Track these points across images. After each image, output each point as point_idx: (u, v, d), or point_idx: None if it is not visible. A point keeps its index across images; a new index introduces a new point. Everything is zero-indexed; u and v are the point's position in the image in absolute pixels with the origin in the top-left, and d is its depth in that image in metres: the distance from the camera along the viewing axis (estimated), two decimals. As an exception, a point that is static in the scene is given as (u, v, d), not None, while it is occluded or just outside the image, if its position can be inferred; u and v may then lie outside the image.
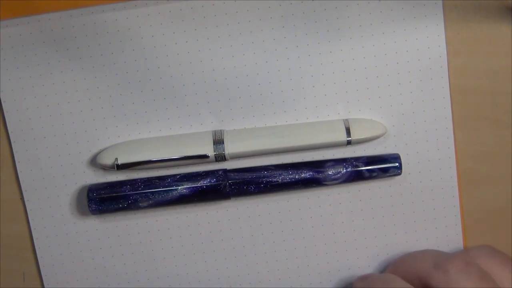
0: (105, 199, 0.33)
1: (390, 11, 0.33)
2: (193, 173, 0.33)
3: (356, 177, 0.33)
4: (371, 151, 0.34)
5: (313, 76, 0.33)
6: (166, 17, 0.33)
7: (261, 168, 0.33)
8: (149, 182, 0.33)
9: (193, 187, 0.33)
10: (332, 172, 0.33)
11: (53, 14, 0.32)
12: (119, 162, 0.32)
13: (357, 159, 0.33)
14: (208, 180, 0.33)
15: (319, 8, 0.33)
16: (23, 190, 0.34)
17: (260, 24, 0.33)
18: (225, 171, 0.33)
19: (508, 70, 0.33)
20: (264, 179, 0.33)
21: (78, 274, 0.35)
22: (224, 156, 0.33)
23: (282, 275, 0.35)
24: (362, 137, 0.33)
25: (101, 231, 0.35)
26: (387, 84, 0.33)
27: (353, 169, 0.33)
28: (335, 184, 0.33)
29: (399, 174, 0.33)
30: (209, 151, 0.32)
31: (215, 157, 0.33)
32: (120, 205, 0.33)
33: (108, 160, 0.33)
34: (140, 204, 0.33)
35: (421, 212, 0.34)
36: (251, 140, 0.33)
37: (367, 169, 0.33)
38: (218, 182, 0.33)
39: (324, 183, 0.33)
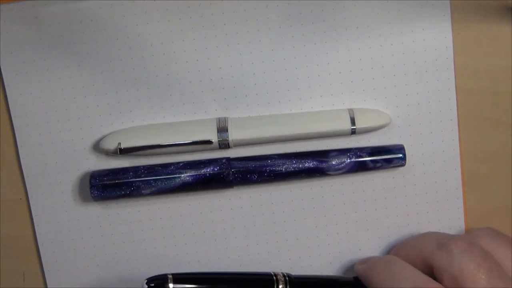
0: (107, 186, 0.33)
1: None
2: (196, 161, 0.33)
3: (360, 167, 0.33)
4: (375, 142, 0.34)
5: (319, 66, 0.33)
6: (172, 8, 0.33)
7: (264, 157, 0.33)
8: (152, 169, 0.33)
9: (196, 174, 0.33)
10: (336, 162, 0.33)
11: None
12: (122, 146, 0.32)
13: (361, 149, 0.33)
14: (211, 168, 0.33)
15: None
16: (25, 176, 0.34)
17: (267, 11, 0.33)
18: (228, 159, 0.33)
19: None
20: (267, 168, 0.33)
21: (79, 261, 0.35)
22: (228, 143, 0.32)
23: (284, 265, 0.35)
24: (367, 126, 0.33)
25: (102, 219, 0.34)
26: (392, 74, 0.33)
27: (357, 159, 0.33)
28: (339, 174, 0.33)
29: (403, 165, 0.33)
30: (213, 138, 0.32)
31: (219, 144, 0.32)
32: (123, 192, 0.33)
33: (111, 144, 0.33)
34: (142, 191, 0.33)
35: (424, 204, 0.34)
36: (255, 128, 0.33)
37: (371, 160, 0.33)
38: (221, 170, 0.33)
39: (328, 173, 0.33)
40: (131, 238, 0.35)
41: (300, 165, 0.33)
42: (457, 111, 0.33)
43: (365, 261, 0.33)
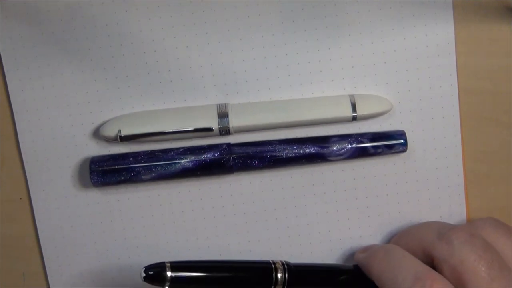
0: (107, 171, 0.33)
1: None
2: (196, 146, 0.33)
3: (361, 153, 0.33)
4: (376, 128, 0.34)
5: (320, 51, 0.33)
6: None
7: (265, 142, 0.33)
8: (152, 154, 0.33)
9: (196, 160, 0.33)
10: (337, 148, 0.33)
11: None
12: (123, 133, 0.32)
13: (362, 135, 0.33)
14: (212, 153, 0.33)
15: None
16: (24, 161, 0.34)
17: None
18: (228, 145, 0.33)
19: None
20: (268, 154, 0.33)
21: (78, 248, 0.34)
22: (229, 129, 0.32)
23: (284, 252, 0.35)
24: (368, 112, 0.33)
25: (102, 205, 0.34)
26: (394, 60, 0.33)
27: (358, 145, 0.33)
28: (340, 160, 0.33)
29: (404, 151, 0.33)
30: (214, 124, 0.32)
31: (219, 130, 0.32)
32: (123, 178, 0.33)
33: (111, 131, 0.32)
34: (142, 177, 0.33)
35: (425, 191, 0.34)
36: (256, 114, 0.33)
37: (372, 145, 0.33)
38: (222, 156, 0.32)
39: (329, 158, 0.33)
40: (130, 225, 0.34)
41: (301, 151, 0.33)
42: (459, 96, 0.33)
43: (366, 249, 0.33)
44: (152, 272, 0.28)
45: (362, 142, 0.33)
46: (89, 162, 0.33)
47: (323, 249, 0.35)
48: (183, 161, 0.33)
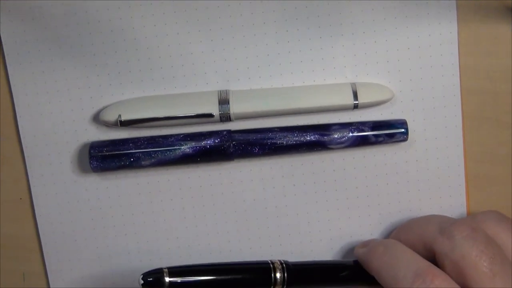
0: (107, 157, 0.32)
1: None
2: (196, 132, 0.33)
3: (362, 141, 0.33)
4: (378, 117, 0.33)
5: (322, 38, 0.33)
6: None
7: (266, 129, 0.33)
8: (152, 140, 0.33)
9: (196, 146, 0.32)
10: (338, 136, 0.32)
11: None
12: (123, 118, 0.32)
13: (363, 123, 0.33)
14: (212, 140, 0.32)
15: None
16: (23, 146, 0.34)
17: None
18: (229, 131, 0.33)
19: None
20: (268, 141, 0.32)
21: (76, 234, 0.34)
22: (229, 116, 0.32)
23: (284, 241, 0.34)
24: (369, 100, 0.32)
25: (101, 191, 0.34)
26: (396, 49, 0.33)
27: (359, 133, 0.33)
28: (341, 148, 0.33)
29: (406, 140, 0.33)
30: (214, 110, 0.32)
31: (220, 116, 0.32)
32: (122, 163, 0.32)
33: (111, 116, 0.32)
34: (142, 163, 0.32)
35: (426, 181, 0.34)
36: (257, 101, 0.32)
37: (373, 134, 0.33)
38: (222, 142, 0.32)
39: (329, 146, 0.33)
40: (129, 211, 0.34)
41: (302, 138, 0.32)
42: (461, 86, 0.33)
43: (366, 244, 0.32)
44: (150, 279, 0.28)
45: (363, 131, 0.33)
46: (89, 147, 0.33)
47: (322, 237, 0.34)
48: (183, 147, 0.32)
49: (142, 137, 0.33)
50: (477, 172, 0.34)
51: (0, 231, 0.35)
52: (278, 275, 0.30)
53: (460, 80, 0.33)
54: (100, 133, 0.34)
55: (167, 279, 0.28)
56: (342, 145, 0.33)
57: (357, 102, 0.32)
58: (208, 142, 0.32)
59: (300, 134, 0.32)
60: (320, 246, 0.35)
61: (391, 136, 0.33)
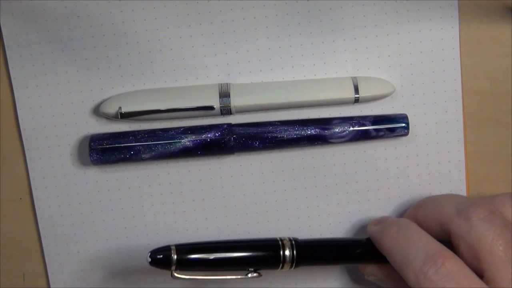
0: (107, 149, 0.32)
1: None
2: (197, 126, 0.33)
3: (363, 136, 0.33)
4: (378, 111, 0.33)
5: (323, 32, 0.33)
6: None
7: (266, 123, 0.33)
8: (152, 133, 0.33)
9: (196, 140, 0.32)
10: (339, 130, 0.32)
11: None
12: (123, 110, 0.32)
13: (364, 117, 0.33)
14: (213, 133, 0.32)
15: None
16: (23, 138, 0.34)
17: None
18: (229, 125, 0.33)
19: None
20: (269, 134, 0.32)
21: (76, 227, 0.34)
22: (230, 109, 0.32)
23: (283, 235, 0.34)
24: (370, 94, 0.32)
25: (101, 184, 0.34)
26: (397, 43, 0.33)
27: (359, 127, 0.32)
28: (341, 142, 0.33)
29: (406, 134, 0.33)
30: (215, 103, 0.32)
31: (221, 110, 0.32)
32: (122, 156, 0.32)
33: (111, 108, 0.32)
34: (142, 156, 0.32)
35: (426, 175, 0.34)
36: (258, 94, 0.32)
37: (374, 128, 0.32)
38: (222, 136, 0.32)
39: (330, 140, 0.33)
40: (129, 204, 0.34)
41: (302, 132, 0.32)
42: (462, 81, 0.33)
43: (378, 222, 0.32)
44: (158, 256, 0.28)
45: (364, 125, 0.32)
46: (89, 140, 0.32)
47: (322, 232, 0.34)
48: (183, 140, 0.32)
49: (143, 130, 0.33)
50: (477, 172, 0.34)
51: (0, 231, 0.35)
52: (287, 252, 0.29)
53: (461, 75, 0.33)
54: (100, 126, 0.34)
55: (174, 257, 0.28)
56: (343, 139, 0.33)
57: (358, 96, 0.32)
58: (209, 135, 0.32)
59: (301, 128, 0.32)
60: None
61: (391, 130, 0.33)
